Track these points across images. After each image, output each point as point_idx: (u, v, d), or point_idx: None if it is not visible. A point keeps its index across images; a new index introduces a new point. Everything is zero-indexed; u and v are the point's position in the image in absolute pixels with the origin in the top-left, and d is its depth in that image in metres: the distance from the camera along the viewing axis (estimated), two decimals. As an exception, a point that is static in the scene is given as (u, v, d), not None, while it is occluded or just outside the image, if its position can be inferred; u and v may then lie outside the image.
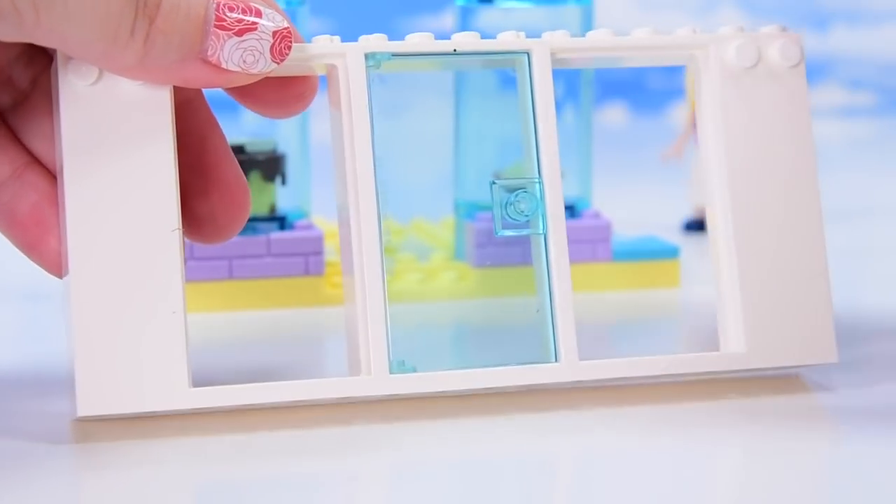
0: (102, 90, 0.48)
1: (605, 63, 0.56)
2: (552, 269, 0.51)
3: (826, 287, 0.53)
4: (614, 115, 1.37)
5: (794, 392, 0.52)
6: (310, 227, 0.69)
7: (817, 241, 0.53)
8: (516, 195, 0.51)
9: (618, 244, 0.73)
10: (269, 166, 0.68)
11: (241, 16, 0.47)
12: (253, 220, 0.68)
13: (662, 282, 0.73)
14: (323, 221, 0.77)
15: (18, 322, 0.67)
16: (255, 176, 0.68)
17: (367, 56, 0.50)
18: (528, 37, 0.52)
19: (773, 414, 0.50)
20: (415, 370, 0.49)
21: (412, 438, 0.48)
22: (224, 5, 0.47)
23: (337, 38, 0.50)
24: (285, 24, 0.48)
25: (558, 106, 0.72)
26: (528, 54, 0.52)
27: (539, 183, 0.51)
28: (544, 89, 0.52)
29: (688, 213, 0.87)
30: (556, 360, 0.51)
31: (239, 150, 0.68)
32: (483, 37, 0.52)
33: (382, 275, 0.50)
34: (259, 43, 0.47)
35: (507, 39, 0.52)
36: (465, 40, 0.51)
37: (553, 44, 0.52)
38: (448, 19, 0.81)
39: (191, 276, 0.66)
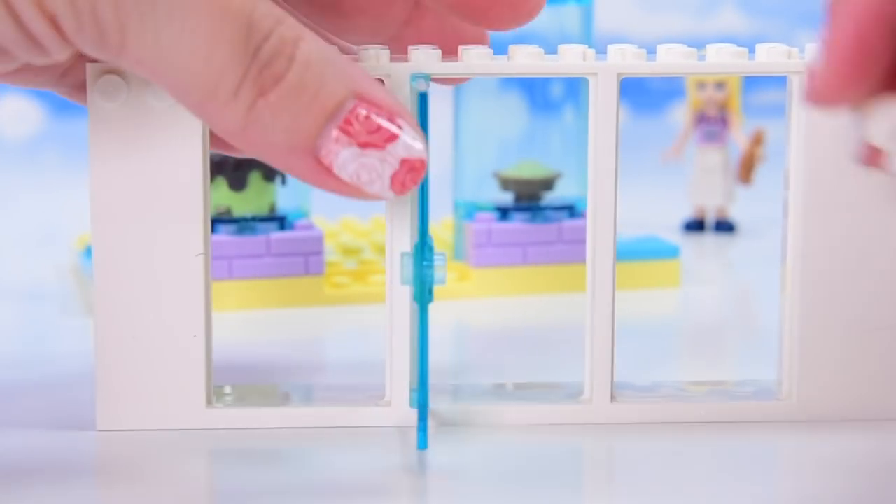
0: (130, 111, 0.46)
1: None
2: (595, 304, 0.49)
3: None
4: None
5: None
6: (310, 227, 0.69)
7: None
8: None
9: (618, 244, 0.73)
10: (270, 166, 0.68)
11: (377, 123, 0.42)
12: (253, 219, 0.68)
13: (662, 282, 0.73)
14: (323, 221, 0.77)
15: (19, 322, 0.67)
16: (255, 176, 0.68)
17: (412, 76, 0.46)
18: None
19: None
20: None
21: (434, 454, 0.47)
22: (362, 111, 0.42)
23: (386, 53, 0.47)
24: (422, 155, 0.42)
25: (558, 106, 0.72)
26: (593, 78, 0.48)
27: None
28: (608, 117, 0.48)
29: (688, 213, 0.87)
30: (586, 399, 0.49)
31: (239, 150, 0.68)
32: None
33: (411, 304, 0.48)
34: (381, 165, 0.42)
35: (573, 62, 0.47)
36: (526, 62, 0.47)
37: (622, 67, 0.48)
38: (448, 19, 0.80)
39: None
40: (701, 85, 0.85)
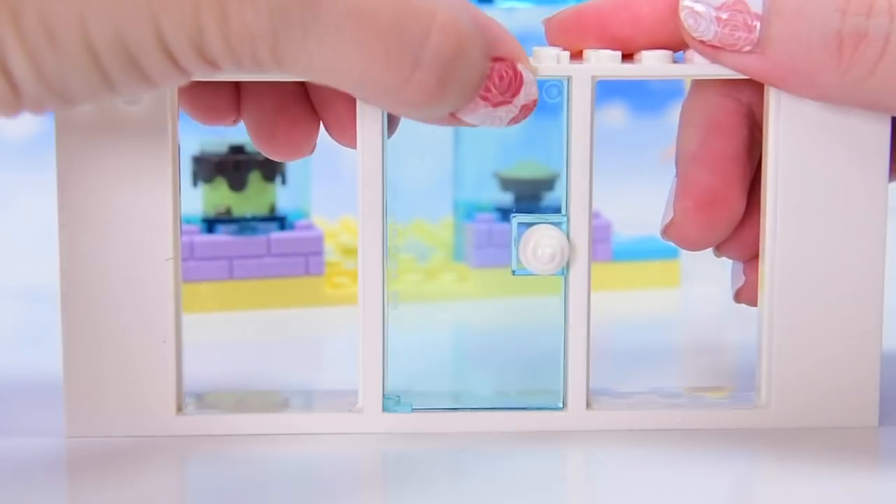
0: (99, 113, 0.46)
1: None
2: (568, 312, 0.49)
3: (876, 346, 0.49)
4: (614, 115, 1.36)
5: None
6: (310, 227, 0.69)
7: (874, 298, 0.49)
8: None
9: (618, 244, 0.73)
10: (269, 166, 0.68)
11: (507, 83, 0.45)
12: (253, 219, 0.68)
13: (662, 282, 0.73)
14: (323, 221, 0.77)
15: (18, 322, 0.67)
16: (255, 176, 0.68)
17: None
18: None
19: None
20: (410, 407, 0.48)
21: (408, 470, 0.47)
22: (495, 70, 0.45)
23: None
24: (535, 97, 0.46)
25: (558, 106, 0.72)
26: (567, 80, 0.48)
27: (565, 220, 0.49)
28: (582, 119, 0.48)
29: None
30: (562, 407, 0.49)
31: (239, 150, 0.68)
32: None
33: (383, 310, 0.48)
34: (506, 112, 0.46)
35: (546, 65, 0.48)
36: None
37: (596, 70, 0.48)
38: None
39: (191, 276, 0.66)
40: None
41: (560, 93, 0.48)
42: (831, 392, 0.49)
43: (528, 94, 0.46)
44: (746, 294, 0.51)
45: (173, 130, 0.46)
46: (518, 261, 0.48)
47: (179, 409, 0.48)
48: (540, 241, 0.48)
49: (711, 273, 0.80)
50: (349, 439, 0.48)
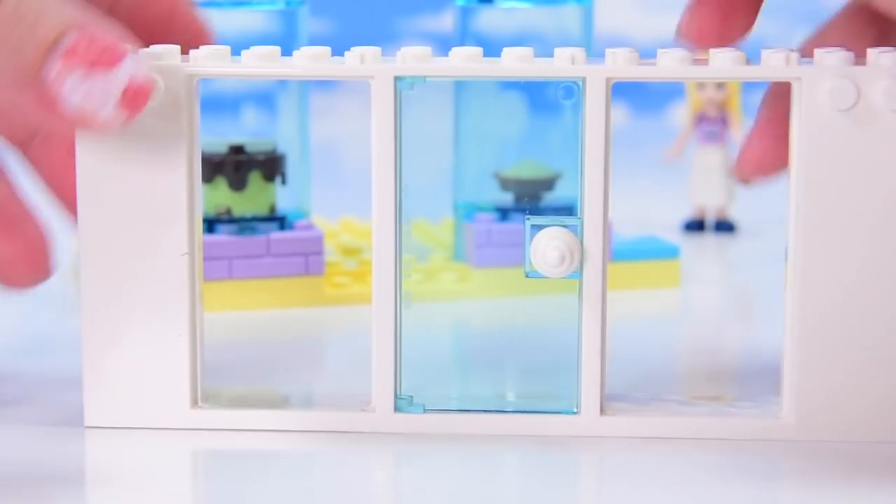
0: None
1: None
2: (583, 315, 0.48)
3: None
4: (614, 115, 1.37)
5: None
6: (310, 227, 0.69)
7: None
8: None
9: (618, 244, 0.73)
10: (269, 166, 0.68)
11: (100, 49, 0.42)
12: (253, 220, 0.68)
13: (662, 282, 0.73)
14: (323, 221, 0.77)
15: (19, 322, 0.67)
16: (255, 176, 0.68)
17: (397, 79, 0.47)
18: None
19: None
20: (423, 408, 0.48)
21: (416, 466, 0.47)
22: (85, 37, 0.42)
23: (375, 53, 0.47)
24: (146, 76, 0.43)
25: (558, 106, 0.72)
26: (582, 81, 0.47)
27: (579, 223, 0.48)
28: (597, 120, 0.47)
29: (688, 213, 0.87)
30: (576, 411, 0.48)
31: (239, 150, 0.68)
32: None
33: (396, 309, 0.48)
34: (107, 89, 0.43)
35: (561, 66, 0.47)
36: (514, 65, 0.47)
37: (611, 71, 0.47)
38: (448, 19, 0.80)
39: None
40: (701, 85, 0.85)
41: (571, 94, 0.48)
42: (857, 405, 0.48)
43: (132, 70, 0.43)
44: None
45: (190, 127, 0.47)
46: (530, 263, 0.48)
47: (195, 402, 0.48)
48: (548, 244, 0.47)
49: (711, 273, 0.81)
50: (360, 438, 0.48)
